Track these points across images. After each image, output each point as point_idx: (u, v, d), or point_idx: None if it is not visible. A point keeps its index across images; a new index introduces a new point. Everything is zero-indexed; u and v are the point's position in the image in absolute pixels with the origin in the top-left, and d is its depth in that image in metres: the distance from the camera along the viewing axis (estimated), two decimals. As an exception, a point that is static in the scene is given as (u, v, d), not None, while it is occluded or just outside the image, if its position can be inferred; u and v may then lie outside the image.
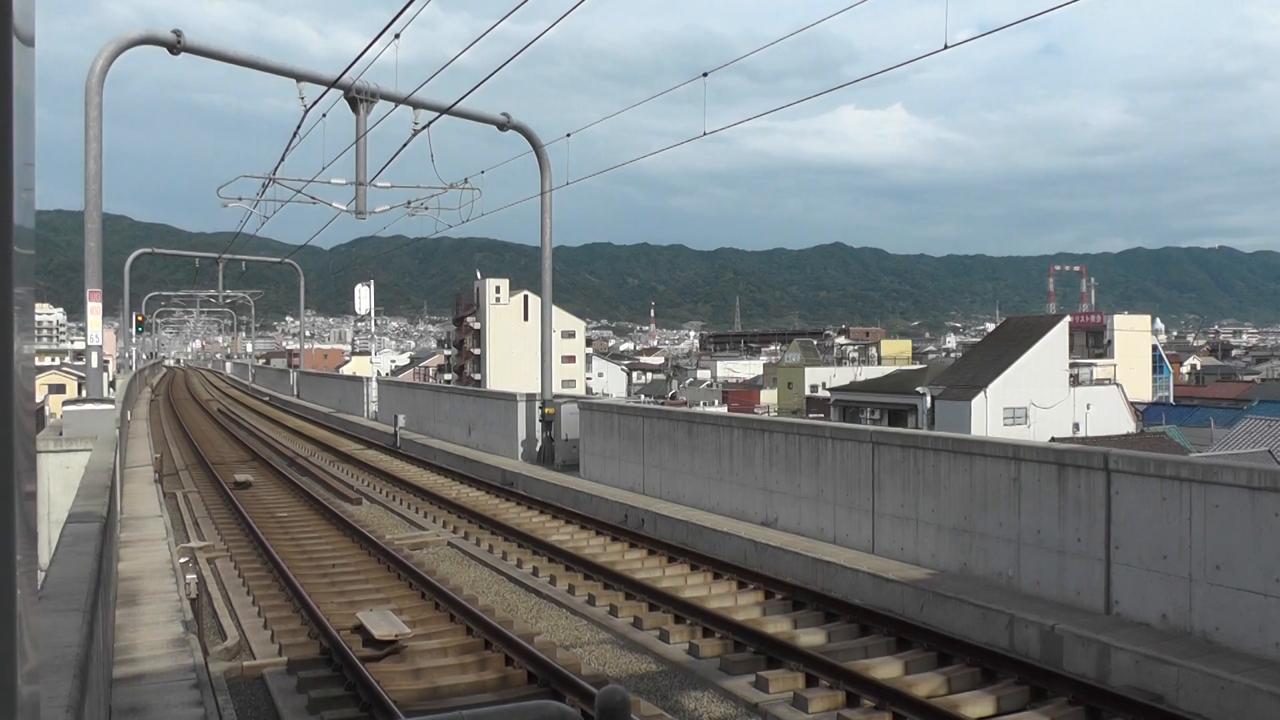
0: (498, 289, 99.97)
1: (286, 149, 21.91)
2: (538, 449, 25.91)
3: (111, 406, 18.49)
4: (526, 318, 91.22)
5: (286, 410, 55.27)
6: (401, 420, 34.38)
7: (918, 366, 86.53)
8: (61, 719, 3.53)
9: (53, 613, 5.05)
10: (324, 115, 20.50)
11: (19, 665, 1.03)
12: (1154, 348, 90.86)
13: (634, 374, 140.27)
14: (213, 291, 72.10)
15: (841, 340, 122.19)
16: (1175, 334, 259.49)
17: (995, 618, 10.61)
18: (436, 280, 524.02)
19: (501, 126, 25.14)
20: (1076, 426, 57.58)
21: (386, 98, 21.99)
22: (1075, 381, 61.87)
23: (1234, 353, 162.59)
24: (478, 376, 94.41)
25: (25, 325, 1.15)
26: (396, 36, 15.20)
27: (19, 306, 1.10)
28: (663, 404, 50.18)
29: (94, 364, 19.45)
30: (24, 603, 1.07)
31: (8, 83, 1.07)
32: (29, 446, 1.16)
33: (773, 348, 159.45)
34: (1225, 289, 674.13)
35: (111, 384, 33.16)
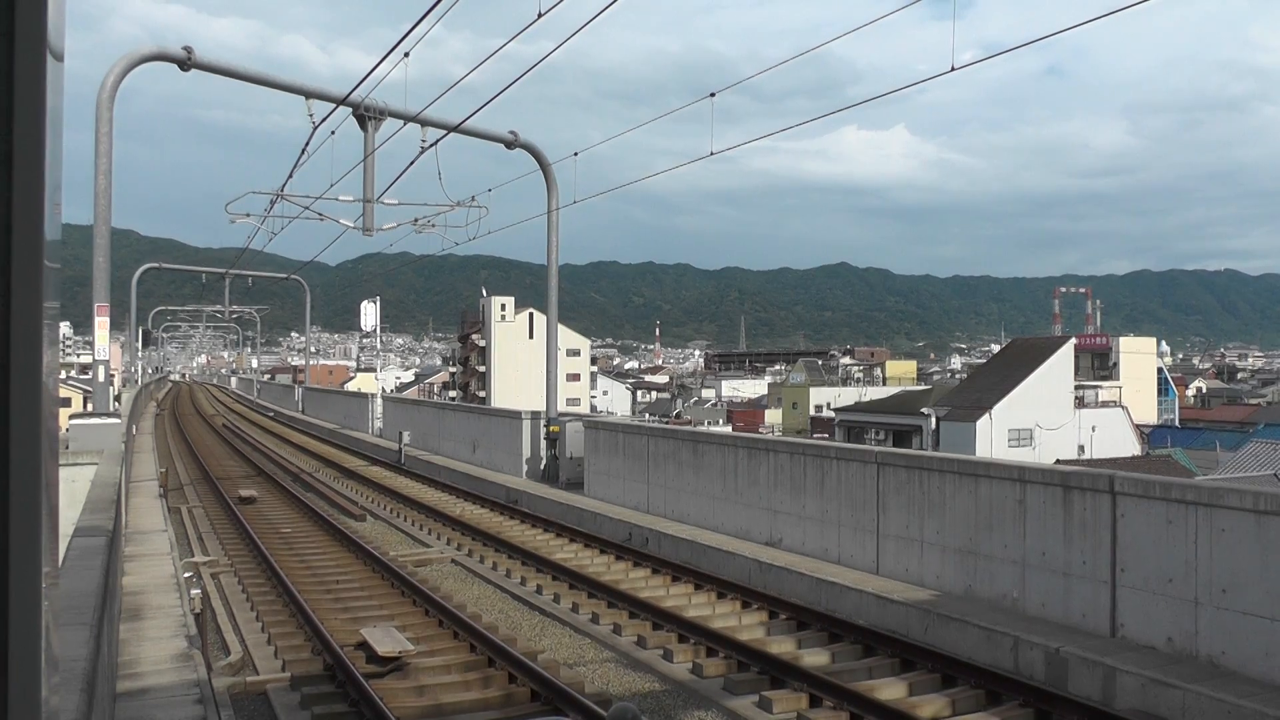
0: (503, 306, 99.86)
1: (295, 166, 22.04)
2: (542, 467, 25.90)
3: (118, 421, 18.53)
4: (532, 335, 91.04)
5: (291, 426, 55.30)
6: (406, 437, 34.38)
7: (923, 387, 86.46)
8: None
9: (61, 626, 5.05)
10: (332, 132, 20.63)
11: (46, 678, 1.04)
12: (1159, 370, 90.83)
13: (639, 393, 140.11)
14: (219, 306, 72.11)
15: (846, 360, 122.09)
16: (1181, 356, 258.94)
17: (1000, 639, 10.58)
18: (442, 297, 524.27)
19: (509, 145, 25.24)
20: (1082, 449, 57.49)
21: (395, 115, 22.11)
22: (1080, 403, 61.82)
23: (1239, 375, 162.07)
24: (482, 394, 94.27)
25: (53, 338, 1.16)
26: (406, 55, 15.29)
27: (48, 319, 1.11)
28: (667, 423, 50.12)
29: (101, 378, 19.49)
30: (51, 615, 1.08)
31: (41, 99, 1.07)
32: (55, 458, 1.17)
33: (778, 368, 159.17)
34: (1231, 312, 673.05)
35: (117, 398, 33.20)
